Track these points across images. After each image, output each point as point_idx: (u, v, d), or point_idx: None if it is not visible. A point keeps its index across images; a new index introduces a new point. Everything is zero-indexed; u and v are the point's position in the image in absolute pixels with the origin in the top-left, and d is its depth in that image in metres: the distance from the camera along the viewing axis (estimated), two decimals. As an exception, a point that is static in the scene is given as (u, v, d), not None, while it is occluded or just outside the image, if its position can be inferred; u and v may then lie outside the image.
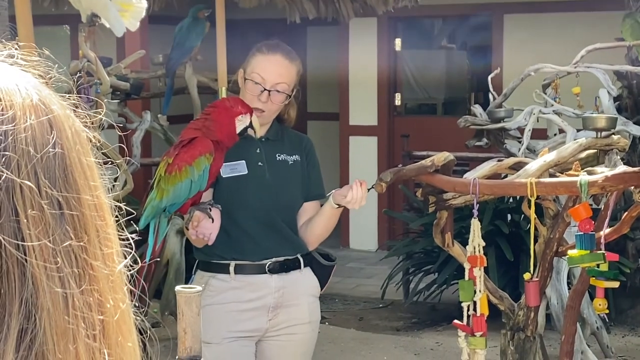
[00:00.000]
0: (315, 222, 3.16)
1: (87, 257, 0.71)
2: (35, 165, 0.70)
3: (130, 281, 0.76)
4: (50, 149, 0.71)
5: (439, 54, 10.13)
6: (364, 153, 9.05)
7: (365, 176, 3.53)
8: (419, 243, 6.72)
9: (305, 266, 3.16)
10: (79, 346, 0.70)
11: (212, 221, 2.93)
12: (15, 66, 0.74)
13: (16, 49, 0.75)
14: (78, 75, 4.25)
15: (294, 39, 10.47)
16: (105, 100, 5.10)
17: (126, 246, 0.77)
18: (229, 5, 5.27)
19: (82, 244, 0.71)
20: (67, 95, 0.75)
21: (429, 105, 10.04)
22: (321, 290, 3.25)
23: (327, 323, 6.57)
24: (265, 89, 3.06)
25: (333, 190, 3.12)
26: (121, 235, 0.76)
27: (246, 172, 3.07)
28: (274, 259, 3.08)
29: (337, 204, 3.09)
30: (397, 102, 9.29)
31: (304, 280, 3.15)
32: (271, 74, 3.07)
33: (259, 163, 3.10)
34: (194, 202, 2.92)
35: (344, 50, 9.21)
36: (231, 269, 3.06)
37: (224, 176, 3.03)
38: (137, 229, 2.88)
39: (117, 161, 4.00)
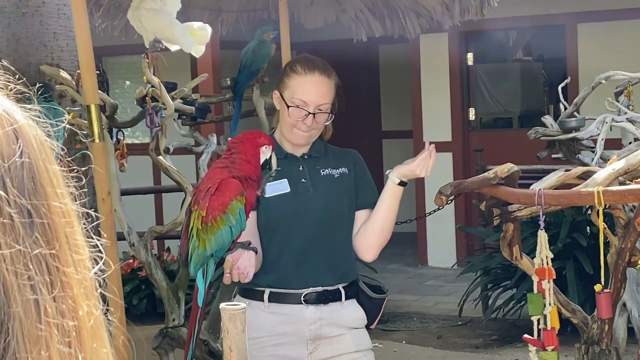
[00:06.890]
0: (373, 215, 2.98)
1: (58, 264, 0.71)
2: (3, 175, 0.70)
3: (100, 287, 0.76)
4: (17, 159, 0.71)
5: (514, 67, 9.99)
6: (439, 169, 8.89)
7: (440, 193, 3.42)
8: (496, 258, 6.60)
9: (347, 298, 2.97)
10: (52, 353, 0.69)
11: (256, 252, 2.80)
12: None
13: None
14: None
15: (365, 57, 10.50)
16: (176, 125, 5.17)
17: (95, 252, 0.77)
18: (294, 27, 5.28)
19: (53, 251, 0.71)
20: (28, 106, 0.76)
21: (504, 119, 9.89)
22: (372, 325, 3.05)
23: (404, 342, 6.51)
24: (309, 113, 2.92)
25: (391, 169, 2.95)
26: (90, 242, 0.76)
27: (289, 189, 2.93)
28: (311, 289, 2.92)
29: (400, 180, 2.92)
30: (472, 116, 9.20)
31: (345, 312, 2.96)
32: (313, 95, 2.92)
33: (302, 180, 2.97)
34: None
35: (415, 66, 9.18)
36: (265, 296, 2.91)
37: (266, 196, 2.89)
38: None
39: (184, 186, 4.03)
